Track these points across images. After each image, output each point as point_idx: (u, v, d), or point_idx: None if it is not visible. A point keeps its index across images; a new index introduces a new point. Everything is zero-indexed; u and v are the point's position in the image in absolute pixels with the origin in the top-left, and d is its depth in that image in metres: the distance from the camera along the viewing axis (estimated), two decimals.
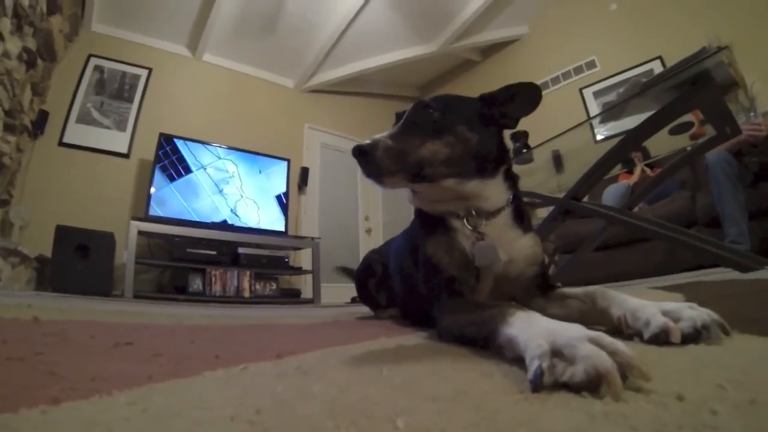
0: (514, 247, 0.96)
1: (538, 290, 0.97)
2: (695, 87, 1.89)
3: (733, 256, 1.93)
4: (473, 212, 0.95)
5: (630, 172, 3.90)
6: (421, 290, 1.02)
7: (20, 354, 0.59)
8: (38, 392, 0.42)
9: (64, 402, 0.39)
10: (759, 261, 1.95)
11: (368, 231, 6.34)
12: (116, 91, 4.86)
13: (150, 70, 5.07)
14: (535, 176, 3.24)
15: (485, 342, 0.64)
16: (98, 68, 4.81)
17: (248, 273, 4.61)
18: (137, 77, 4.99)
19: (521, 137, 3.18)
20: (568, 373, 0.41)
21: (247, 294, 4.54)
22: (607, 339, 0.44)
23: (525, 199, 2.76)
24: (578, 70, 5.26)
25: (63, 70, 4.56)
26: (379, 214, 6.63)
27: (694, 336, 0.60)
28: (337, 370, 0.58)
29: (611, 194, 3.76)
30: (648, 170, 3.78)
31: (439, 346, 0.77)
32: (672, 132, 2.52)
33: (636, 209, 3.68)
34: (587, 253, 2.97)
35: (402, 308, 1.49)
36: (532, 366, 0.43)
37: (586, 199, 4.00)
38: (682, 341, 0.59)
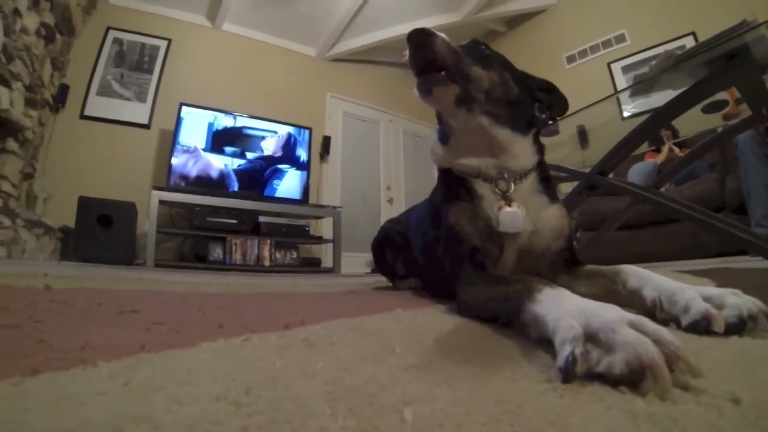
0: (541, 216, 0.92)
1: (564, 266, 0.91)
2: (732, 62, 1.74)
3: (761, 242, 1.81)
4: (503, 174, 0.92)
5: (657, 150, 3.77)
6: (442, 260, 0.98)
7: (17, 321, 0.57)
8: (20, 361, 0.40)
9: (43, 373, 0.36)
10: None
11: (390, 201, 6.29)
12: (136, 63, 4.85)
13: (169, 41, 5.03)
14: (559, 151, 3.15)
15: (508, 319, 0.62)
16: (117, 41, 4.80)
17: (269, 242, 4.64)
18: (156, 48, 4.96)
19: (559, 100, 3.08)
20: (604, 363, 0.37)
21: (267, 263, 4.57)
22: (651, 325, 0.39)
23: (557, 174, 2.71)
24: (607, 43, 5.05)
25: (82, 44, 4.57)
26: (401, 184, 6.57)
27: (739, 327, 0.52)
28: (345, 345, 0.54)
29: (637, 172, 3.65)
30: (676, 149, 3.63)
31: (458, 322, 0.74)
32: (705, 110, 2.41)
33: (663, 189, 3.56)
34: (610, 232, 2.89)
35: (422, 279, 1.46)
36: (563, 351, 0.38)
37: (611, 175, 3.92)
38: (725, 332, 0.52)
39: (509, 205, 0.88)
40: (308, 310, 0.98)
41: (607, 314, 0.41)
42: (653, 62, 2.12)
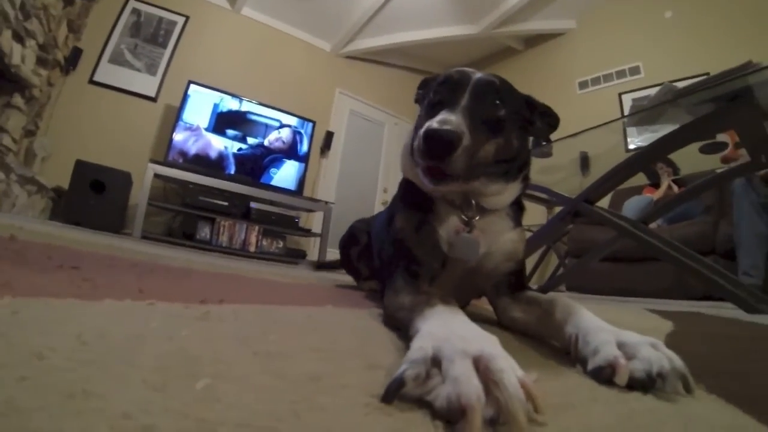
0: (498, 240, 0.90)
1: (508, 289, 0.90)
2: (733, 103, 1.69)
3: (740, 293, 1.76)
4: (473, 205, 0.87)
5: (656, 186, 3.75)
6: (384, 264, 0.98)
7: None
8: None
9: None
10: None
11: (385, 203, 6.27)
12: (151, 36, 4.88)
13: (187, 18, 5.06)
14: (556, 174, 3.13)
15: (405, 330, 0.60)
16: (136, 11, 4.83)
17: (257, 228, 4.64)
18: (173, 24, 4.99)
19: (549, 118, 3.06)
20: (434, 393, 0.34)
21: (252, 248, 4.58)
22: (499, 364, 0.36)
23: (540, 195, 2.69)
24: (621, 74, 5.03)
25: (101, 9, 4.61)
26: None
27: (645, 383, 0.47)
28: (231, 325, 0.57)
29: (632, 206, 3.63)
30: (675, 187, 3.61)
31: (370, 326, 0.74)
32: (703, 150, 2.38)
33: (654, 226, 3.55)
34: (592, 262, 2.87)
35: (379, 282, 1.44)
36: (398, 370, 0.36)
37: (607, 205, 3.90)
38: (629, 386, 0.47)
39: (469, 231, 0.85)
40: (240, 293, 1.00)
41: (462, 344, 0.39)
42: (653, 94, 2.09)
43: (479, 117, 0.78)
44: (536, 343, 0.71)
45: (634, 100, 4.76)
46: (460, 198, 0.87)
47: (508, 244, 0.91)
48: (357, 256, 1.58)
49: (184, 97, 4.56)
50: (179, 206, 4.35)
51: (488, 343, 0.40)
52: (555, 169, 3.12)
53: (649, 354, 0.49)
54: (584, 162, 2.91)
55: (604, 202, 4.02)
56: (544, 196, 2.60)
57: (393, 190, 6.31)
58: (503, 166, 0.87)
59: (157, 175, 4.11)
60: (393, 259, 0.91)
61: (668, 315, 1.49)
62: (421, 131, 0.70)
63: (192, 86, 4.62)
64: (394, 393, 0.34)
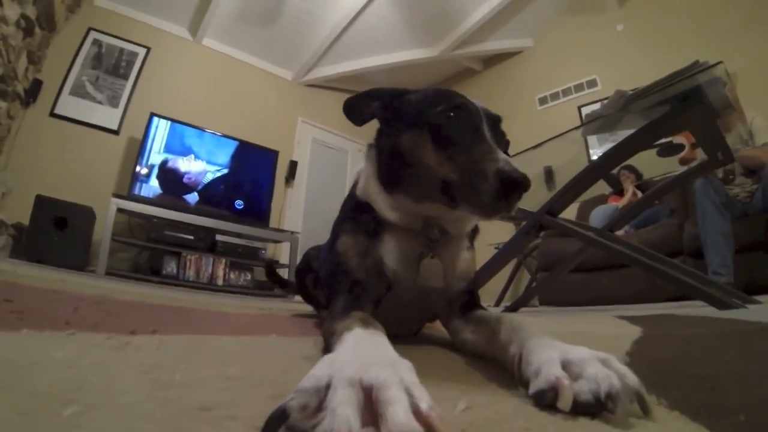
0: (453, 259, 0.87)
1: (459, 309, 0.86)
2: (685, 104, 1.72)
3: (710, 291, 1.75)
4: (435, 230, 0.84)
5: (620, 194, 3.84)
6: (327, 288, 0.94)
7: None
8: None
9: None
10: (739, 297, 1.82)
11: None
12: (112, 67, 4.83)
13: (149, 49, 5.03)
14: None
15: None
16: (97, 42, 4.77)
17: (224, 261, 4.55)
18: (135, 55, 4.95)
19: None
20: (319, 427, 0.30)
21: (220, 282, 4.48)
22: (388, 393, 0.32)
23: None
24: (579, 87, 5.21)
25: (61, 41, 4.52)
26: None
27: (593, 407, 0.40)
28: (153, 354, 0.57)
29: (598, 216, 3.70)
30: (639, 193, 3.71)
31: (306, 354, 0.71)
32: (660, 154, 2.43)
33: (622, 233, 3.62)
34: (562, 274, 2.89)
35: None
36: (286, 399, 0.32)
37: (574, 217, 3.96)
38: (574, 410, 0.41)
39: (433, 256, 0.83)
40: (182, 324, 0.98)
41: (355, 371, 0.35)
42: (605, 101, 2.13)
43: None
44: (486, 365, 0.66)
45: (586, 115, 4.90)
46: (420, 224, 0.84)
47: (461, 264, 0.89)
48: (312, 283, 1.52)
49: (147, 130, 4.50)
50: (144, 241, 4.24)
51: (388, 371, 0.35)
52: None
53: (597, 371, 0.43)
54: (549, 176, 2.94)
55: (571, 215, 4.09)
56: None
57: None
58: None
59: (120, 210, 4.01)
60: (334, 284, 0.87)
61: (638, 320, 1.48)
62: (494, 170, 0.65)
63: (155, 118, 4.57)
64: (275, 425, 0.31)
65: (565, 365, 0.46)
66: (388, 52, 5.78)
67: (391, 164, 0.85)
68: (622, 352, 0.70)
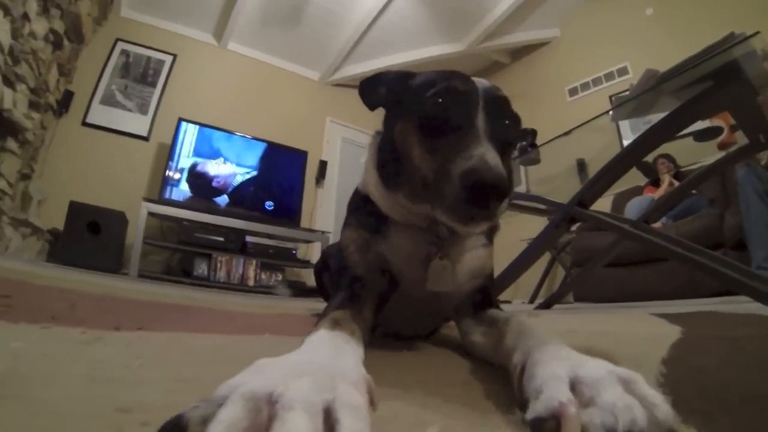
0: (465, 257, 0.79)
1: (471, 308, 0.78)
2: (720, 81, 1.54)
3: (755, 285, 1.55)
4: (444, 228, 0.75)
5: (656, 185, 3.68)
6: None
7: None
8: None
9: None
10: None
11: None
12: (140, 75, 4.95)
13: (175, 56, 5.13)
14: (553, 183, 3.06)
15: None
16: (125, 52, 4.91)
17: (254, 262, 4.58)
18: (162, 62, 5.06)
19: (528, 135, 3.00)
20: None
21: (251, 283, 4.51)
22: (287, 416, 0.25)
23: (537, 206, 2.62)
24: (609, 76, 5.02)
25: (90, 52, 4.67)
26: None
27: None
28: (119, 349, 0.55)
29: (634, 208, 3.55)
30: (676, 183, 3.55)
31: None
32: (697, 138, 2.30)
33: (659, 225, 3.46)
34: (596, 268, 2.78)
35: None
36: (184, 409, 0.27)
37: (608, 210, 3.81)
38: None
39: (442, 257, 0.75)
40: (174, 322, 0.95)
41: (263, 382, 0.28)
42: (634, 83, 2.01)
43: (498, 142, 0.63)
44: (493, 375, 0.56)
45: (615, 98, 4.71)
46: (427, 221, 0.76)
47: (474, 260, 0.81)
48: (329, 281, 1.47)
49: (176, 135, 4.59)
50: (175, 244, 4.32)
51: (310, 385, 0.29)
52: (552, 179, 3.05)
53: (616, 399, 0.33)
54: (581, 167, 2.84)
55: (606, 207, 3.95)
56: (538, 206, 2.50)
57: None
58: None
59: (151, 214, 4.09)
60: (335, 280, 0.83)
61: (677, 318, 1.33)
62: (459, 172, 0.56)
63: (183, 123, 4.66)
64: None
65: (575, 385, 0.36)
66: (415, 48, 5.71)
67: (388, 157, 0.77)
68: (657, 359, 0.58)
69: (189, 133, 4.69)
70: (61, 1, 3.72)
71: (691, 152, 2.55)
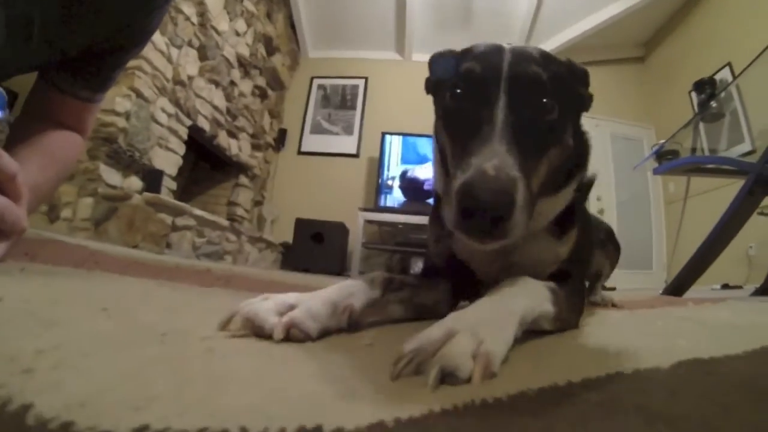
0: (531, 250, 0.71)
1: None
2: None
3: None
4: None
5: None
6: None
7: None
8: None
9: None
10: None
11: (600, 212, 5.33)
12: (340, 102, 5.40)
13: (366, 78, 5.45)
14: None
15: None
16: (321, 86, 5.47)
17: None
18: (356, 87, 5.42)
19: (707, 87, 2.26)
20: None
21: None
22: (255, 309, 0.48)
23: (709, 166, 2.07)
24: None
25: (293, 94, 5.48)
26: (611, 193, 5.44)
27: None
28: (72, 284, 0.63)
29: None
30: None
31: (218, 306, 0.70)
32: None
33: None
34: None
35: None
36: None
37: None
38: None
39: (510, 259, 0.73)
40: (161, 273, 1.07)
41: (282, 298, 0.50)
42: None
43: (526, 133, 0.53)
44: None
45: None
46: None
47: (544, 253, 0.73)
48: None
49: (382, 147, 4.79)
50: (392, 246, 4.46)
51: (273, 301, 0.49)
52: None
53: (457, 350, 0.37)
54: None
55: None
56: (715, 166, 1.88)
57: (607, 197, 5.41)
58: (552, 182, 0.64)
59: (368, 221, 4.34)
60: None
61: None
62: (457, 185, 0.48)
63: (386, 136, 4.86)
64: None
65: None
66: (597, 9, 5.00)
67: (438, 156, 0.74)
68: None
69: (394, 144, 4.86)
70: (258, 62, 4.51)
71: None
